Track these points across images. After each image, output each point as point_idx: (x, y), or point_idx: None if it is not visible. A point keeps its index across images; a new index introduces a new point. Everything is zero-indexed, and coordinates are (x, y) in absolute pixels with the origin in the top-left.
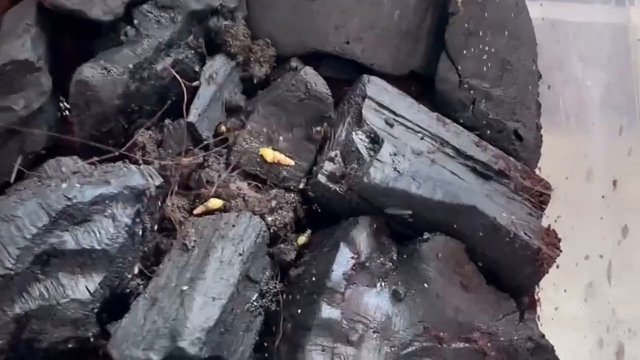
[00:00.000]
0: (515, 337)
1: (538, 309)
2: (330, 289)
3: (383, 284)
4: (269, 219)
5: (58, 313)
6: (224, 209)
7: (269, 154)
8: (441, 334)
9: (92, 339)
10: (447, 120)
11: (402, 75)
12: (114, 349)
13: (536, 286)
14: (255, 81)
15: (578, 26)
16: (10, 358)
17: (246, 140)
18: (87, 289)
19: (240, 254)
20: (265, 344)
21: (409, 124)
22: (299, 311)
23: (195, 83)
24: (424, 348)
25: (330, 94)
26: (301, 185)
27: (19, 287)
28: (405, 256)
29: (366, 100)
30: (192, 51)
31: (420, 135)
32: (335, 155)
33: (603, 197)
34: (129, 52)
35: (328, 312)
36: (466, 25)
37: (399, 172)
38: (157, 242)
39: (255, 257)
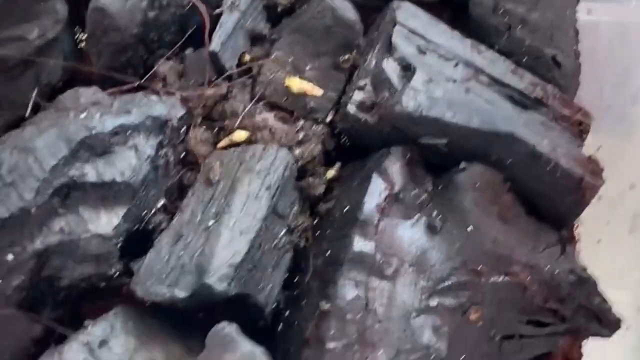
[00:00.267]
0: (557, 270)
1: (579, 242)
2: (363, 222)
3: (418, 216)
4: (297, 151)
5: (79, 248)
6: (249, 142)
7: (296, 84)
8: (479, 267)
9: (115, 276)
10: (482, 47)
11: (433, 0)
12: (137, 286)
13: (577, 218)
14: (279, 9)
15: None
16: (31, 296)
17: (271, 70)
18: (110, 224)
19: (267, 188)
20: (295, 280)
21: (442, 51)
22: (330, 246)
23: (217, 11)
24: (461, 282)
25: (358, 20)
26: (329, 117)
27: (38, 221)
28: (440, 187)
29: (397, 26)
30: None
31: (454, 62)
32: (365, 84)
33: None
34: None
35: (361, 245)
36: None
37: (433, 99)
38: (181, 176)
39: (283, 191)
